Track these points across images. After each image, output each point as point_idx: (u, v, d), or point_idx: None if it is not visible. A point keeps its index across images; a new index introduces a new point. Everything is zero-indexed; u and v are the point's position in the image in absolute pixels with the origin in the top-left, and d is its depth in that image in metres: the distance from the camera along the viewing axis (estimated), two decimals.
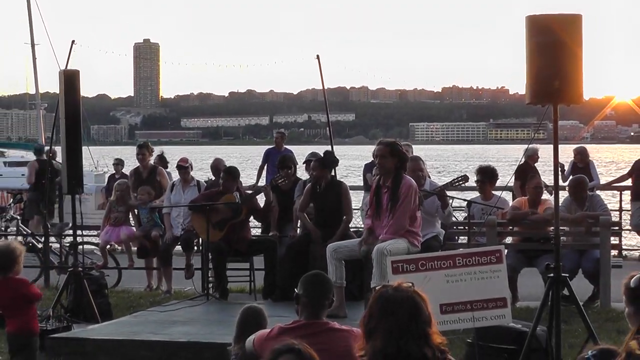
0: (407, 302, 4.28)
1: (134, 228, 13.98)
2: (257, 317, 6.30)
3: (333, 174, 12.32)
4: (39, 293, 8.15)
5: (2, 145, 56.22)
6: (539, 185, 12.35)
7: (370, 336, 4.29)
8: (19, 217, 17.68)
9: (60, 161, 12.38)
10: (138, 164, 14.27)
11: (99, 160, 37.07)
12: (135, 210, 13.87)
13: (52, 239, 15.34)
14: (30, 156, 42.15)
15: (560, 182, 10.86)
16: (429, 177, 12.40)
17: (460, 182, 11.95)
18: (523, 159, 15.71)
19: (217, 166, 13.94)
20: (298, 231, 12.45)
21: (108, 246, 14.36)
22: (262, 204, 12.78)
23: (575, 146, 17.72)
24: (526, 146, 16.00)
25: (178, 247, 13.94)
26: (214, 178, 13.99)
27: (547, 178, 14.04)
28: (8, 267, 7.74)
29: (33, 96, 49.30)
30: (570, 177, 14.73)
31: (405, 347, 4.20)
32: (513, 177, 15.31)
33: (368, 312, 4.37)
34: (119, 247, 15.14)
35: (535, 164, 16.18)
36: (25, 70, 48.55)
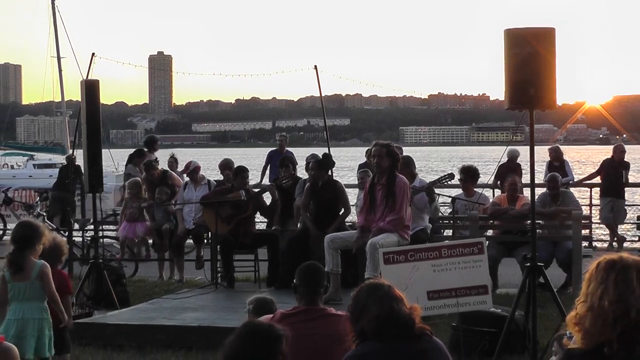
0: (382, 286, 4.44)
1: (148, 223, 13.99)
2: (271, 306, 6.33)
3: (330, 174, 12.32)
4: (71, 289, 8.12)
5: (30, 149, 56.27)
6: (513, 183, 12.35)
7: (361, 313, 4.35)
8: (44, 214, 17.69)
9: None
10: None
11: (119, 162, 37.07)
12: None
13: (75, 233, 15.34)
14: (57, 159, 42.26)
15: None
16: (418, 175, 12.47)
17: (447, 180, 11.98)
18: (506, 159, 15.74)
19: (225, 165, 13.94)
20: (298, 226, 12.46)
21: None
22: (267, 201, 12.81)
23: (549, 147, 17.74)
24: (505, 147, 15.99)
25: (190, 241, 13.98)
26: (222, 177, 14.00)
27: (525, 176, 14.06)
28: (54, 260, 7.70)
29: (59, 104, 49.30)
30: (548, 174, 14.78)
31: (397, 308, 4.30)
32: (493, 176, 15.35)
33: (355, 295, 4.46)
34: (136, 240, 15.15)
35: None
36: (51, 81, 48.55)
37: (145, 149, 16.28)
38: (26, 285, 7.08)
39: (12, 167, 46.31)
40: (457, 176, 12.87)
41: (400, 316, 4.29)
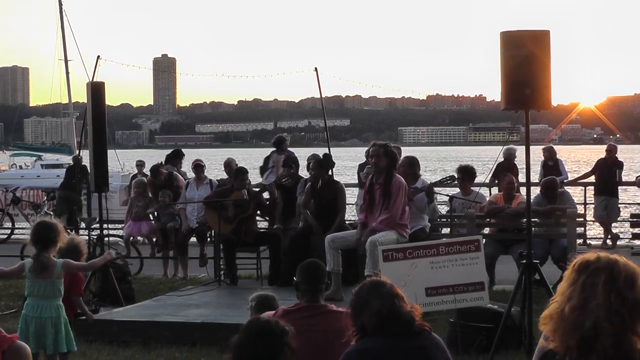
0: (382, 283, 4.43)
1: (152, 222, 13.99)
2: (273, 302, 6.33)
3: (330, 173, 12.32)
4: (82, 291, 8.13)
5: (38, 149, 56.42)
6: (510, 182, 12.37)
7: (362, 308, 4.34)
8: (51, 213, 17.69)
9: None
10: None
11: (125, 162, 37.10)
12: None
13: (81, 231, 15.33)
14: (64, 159, 42.32)
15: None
16: (421, 177, 12.48)
17: (449, 181, 11.92)
18: (502, 158, 15.73)
19: (229, 164, 13.95)
20: (300, 224, 12.46)
21: (131, 238, 14.43)
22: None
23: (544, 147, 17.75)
24: (502, 147, 16.01)
25: (193, 239, 13.99)
26: (227, 176, 14.01)
27: (522, 175, 14.04)
28: (73, 259, 7.72)
29: (66, 105, 49.40)
30: (543, 174, 14.80)
31: (399, 305, 4.29)
32: (491, 174, 15.34)
33: (357, 291, 4.46)
34: (141, 239, 15.18)
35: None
36: (59, 83, 48.71)
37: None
38: (47, 284, 7.14)
39: (20, 167, 46.44)
40: (456, 176, 12.88)
41: (401, 313, 4.29)
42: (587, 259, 3.33)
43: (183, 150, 16.83)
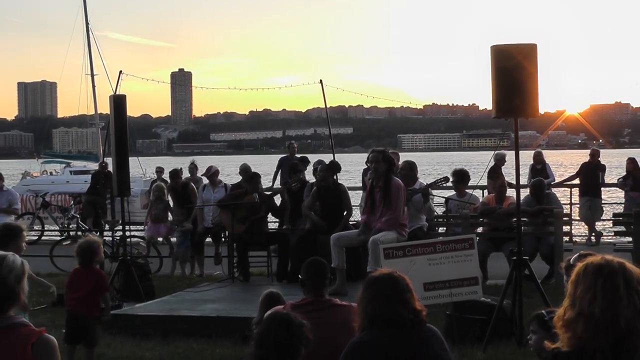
0: (387, 277, 4.38)
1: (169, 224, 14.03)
2: (279, 299, 6.32)
3: (335, 178, 12.33)
4: (108, 286, 8.13)
5: (67, 157, 56.80)
6: (502, 184, 12.36)
7: (369, 301, 4.33)
8: (78, 216, 17.73)
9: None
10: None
11: (146, 168, 37.18)
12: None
13: (105, 232, 15.36)
14: (91, 166, 42.42)
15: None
16: (419, 179, 12.52)
17: (442, 182, 11.96)
18: (493, 162, 15.70)
19: (245, 170, 13.95)
20: (307, 225, 12.44)
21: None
22: (278, 203, 12.83)
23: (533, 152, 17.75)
24: (493, 152, 16.00)
25: (208, 239, 14.00)
26: (242, 179, 14.04)
27: (511, 178, 14.02)
28: (89, 259, 7.72)
29: (92, 116, 49.67)
30: (532, 177, 14.76)
31: (404, 298, 4.28)
32: (486, 177, 15.32)
33: (365, 284, 4.45)
34: (160, 240, 15.19)
35: (502, 166, 16.15)
36: (85, 96, 49.20)
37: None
38: None
39: (50, 173, 46.52)
40: (450, 178, 12.87)
41: (405, 304, 4.28)
42: (599, 263, 3.27)
43: (199, 157, 16.87)
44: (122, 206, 11.47)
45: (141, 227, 16.10)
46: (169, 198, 14.25)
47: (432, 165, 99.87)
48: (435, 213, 12.88)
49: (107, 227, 16.22)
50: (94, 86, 47.23)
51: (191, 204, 13.84)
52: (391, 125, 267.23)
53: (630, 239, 12.97)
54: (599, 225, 17.74)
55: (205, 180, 14.39)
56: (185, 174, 15.24)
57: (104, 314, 7.76)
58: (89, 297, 7.63)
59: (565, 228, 12.30)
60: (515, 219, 9.44)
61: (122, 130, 10.98)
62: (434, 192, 11.78)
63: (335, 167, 12.15)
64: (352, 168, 58.04)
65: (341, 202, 11.67)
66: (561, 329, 3.27)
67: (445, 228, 12.31)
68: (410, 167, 11.82)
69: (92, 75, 47.09)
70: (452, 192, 12.90)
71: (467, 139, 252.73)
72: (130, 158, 11.35)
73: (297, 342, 4.12)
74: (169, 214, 14.25)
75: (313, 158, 15.31)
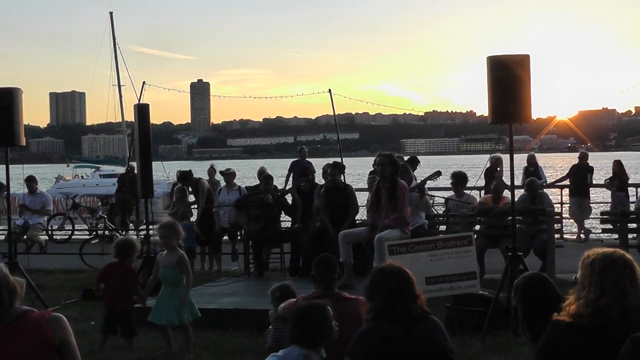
0: (395, 270, 4.40)
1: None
2: (290, 291, 6.33)
3: (343, 179, 12.33)
4: (136, 284, 8.16)
5: (96, 161, 57.15)
6: (498, 186, 12.34)
7: (371, 298, 4.36)
8: (105, 216, 17.76)
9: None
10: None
11: (169, 172, 37.30)
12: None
13: (130, 231, 15.36)
14: (118, 169, 42.58)
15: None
16: (415, 178, 12.52)
17: (435, 177, 11.94)
18: (488, 164, 15.68)
19: (262, 172, 13.91)
20: (317, 223, 12.43)
21: None
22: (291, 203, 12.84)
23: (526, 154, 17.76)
24: (489, 155, 15.98)
25: (226, 237, 13.99)
26: (258, 182, 14.03)
27: (507, 179, 13.98)
28: (127, 255, 7.76)
29: (119, 124, 50.08)
30: (525, 178, 14.71)
31: (408, 289, 4.30)
32: (483, 178, 15.29)
33: (371, 276, 4.47)
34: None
35: (498, 168, 16.12)
36: (113, 104, 49.74)
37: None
38: None
39: (82, 177, 46.74)
40: (449, 180, 12.86)
41: (410, 296, 4.27)
42: (610, 254, 3.51)
43: (217, 161, 16.87)
44: (146, 207, 11.47)
45: None
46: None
47: (432, 168, 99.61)
48: (435, 212, 12.87)
49: (131, 226, 16.23)
50: (120, 96, 47.66)
51: (201, 192, 13.76)
52: (395, 131, 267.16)
53: (616, 235, 12.94)
54: (587, 223, 17.68)
55: (222, 183, 14.36)
56: (204, 176, 15.21)
57: (138, 301, 7.84)
58: (124, 291, 7.70)
59: (557, 226, 12.26)
60: (510, 218, 9.39)
61: (145, 137, 10.98)
62: (434, 192, 11.74)
63: (340, 166, 12.20)
64: (359, 170, 58.04)
65: (348, 201, 11.65)
66: (586, 308, 3.46)
67: (445, 226, 12.29)
68: (406, 169, 11.82)
69: (119, 86, 47.50)
70: (451, 193, 12.87)
71: (465, 143, 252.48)
72: (153, 162, 11.34)
73: (327, 324, 4.31)
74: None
75: (322, 162, 15.31)
